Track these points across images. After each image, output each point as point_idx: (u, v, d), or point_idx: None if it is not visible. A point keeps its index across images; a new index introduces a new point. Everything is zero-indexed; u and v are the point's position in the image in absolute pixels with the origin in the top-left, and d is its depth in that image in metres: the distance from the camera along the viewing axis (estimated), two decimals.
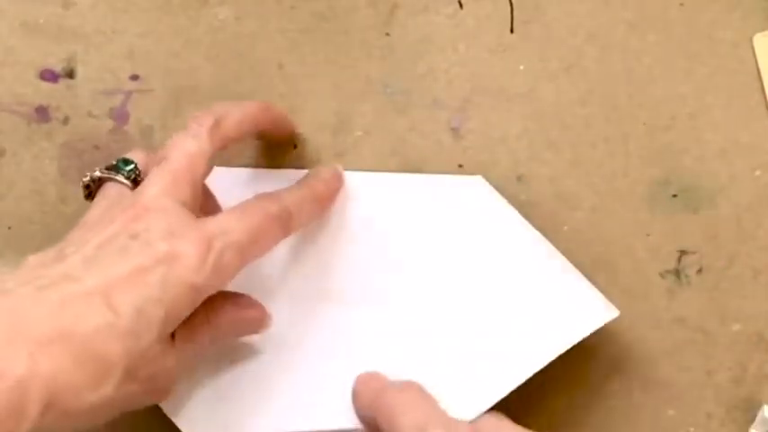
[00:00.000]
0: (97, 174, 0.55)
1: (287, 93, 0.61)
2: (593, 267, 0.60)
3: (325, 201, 0.59)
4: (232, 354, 0.57)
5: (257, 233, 0.53)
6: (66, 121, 0.61)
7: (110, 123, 0.61)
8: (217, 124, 0.55)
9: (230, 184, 0.60)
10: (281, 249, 0.58)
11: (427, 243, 0.59)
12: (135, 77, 0.61)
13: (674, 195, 0.61)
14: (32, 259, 0.51)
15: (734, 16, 0.61)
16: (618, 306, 0.59)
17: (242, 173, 0.60)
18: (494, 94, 0.61)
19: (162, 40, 0.61)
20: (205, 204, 0.57)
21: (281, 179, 0.60)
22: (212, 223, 0.52)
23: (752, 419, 0.60)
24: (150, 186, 0.53)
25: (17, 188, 0.60)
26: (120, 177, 0.54)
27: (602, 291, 0.59)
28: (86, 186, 0.55)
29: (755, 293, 0.60)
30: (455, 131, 0.61)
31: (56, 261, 0.50)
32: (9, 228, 0.60)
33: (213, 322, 0.54)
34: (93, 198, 0.55)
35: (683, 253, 0.60)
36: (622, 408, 0.60)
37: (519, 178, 0.61)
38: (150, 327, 0.49)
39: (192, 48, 0.61)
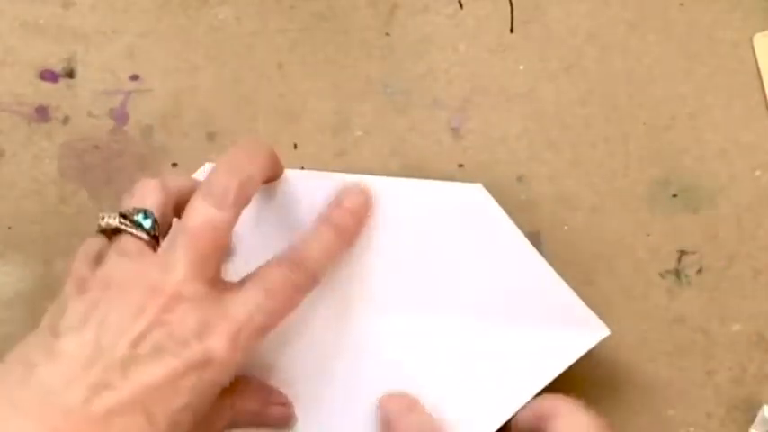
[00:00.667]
0: (114, 223, 0.53)
1: (287, 93, 0.61)
2: (593, 267, 0.60)
3: (353, 237, 0.58)
4: None
5: (282, 309, 0.54)
6: (66, 121, 0.61)
7: (110, 123, 0.61)
8: (242, 189, 0.54)
9: None
10: None
11: (422, 253, 0.59)
12: (135, 77, 0.61)
13: (674, 195, 0.61)
14: (69, 345, 0.50)
15: (734, 16, 0.61)
16: (618, 306, 0.59)
17: None
18: (494, 94, 0.61)
19: (162, 40, 0.61)
20: None
21: (282, 179, 0.60)
22: (239, 308, 0.53)
23: (752, 419, 0.60)
24: (178, 266, 0.52)
25: (17, 188, 0.60)
26: (140, 233, 0.53)
27: (602, 291, 0.60)
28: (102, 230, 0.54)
29: (755, 293, 0.60)
30: (455, 131, 0.61)
31: (93, 357, 0.50)
32: (9, 228, 0.60)
33: (237, 408, 0.56)
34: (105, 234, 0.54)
35: (682, 253, 0.60)
36: (622, 408, 0.60)
37: (519, 178, 0.61)
38: (181, 430, 0.51)
39: (192, 48, 0.61)
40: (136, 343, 0.50)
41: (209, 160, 0.60)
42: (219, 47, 0.61)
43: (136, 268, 0.52)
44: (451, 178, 0.60)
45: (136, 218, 0.53)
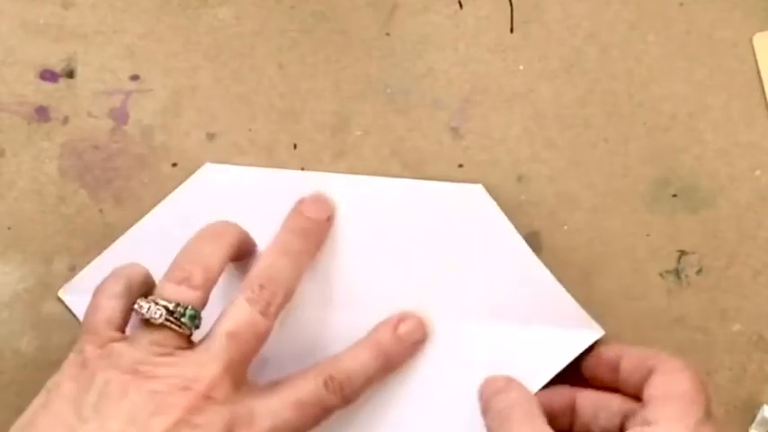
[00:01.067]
0: (159, 320, 0.53)
1: (287, 93, 0.61)
2: (593, 267, 0.60)
3: (395, 365, 0.58)
4: None
5: (306, 427, 0.55)
6: (65, 121, 0.61)
7: (110, 123, 0.61)
8: (285, 298, 0.55)
9: (231, 183, 0.60)
10: None
11: (421, 253, 0.59)
12: (135, 77, 0.61)
13: (674, 195, 0.61)
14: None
15: (734, 16, 0.61)
16: (617, 306, 0.59)
17: (243, 172, 0.60)
18: (494, 94, 0.61)
19: (162, 40, 0.61)
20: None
21: (282, 180, 0.60)
22: (266, 419, 0.53)
23: (752, 419, 0.60)
24: (213, 368, 0.52)
25: (17, 188, 0.60)
26: (183, 330, 0.53)
27: (602, 291, 0.60)
28: (141, 316, 0.54)
29: (755, 293, 0.60)
30: (455, 131, 0.61)
31: None
32: (9, 228, 0.60)
33: None
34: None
35: (682, 253, 0.60)
36: None
37: (519, 178, 0.61)
38: None
39: (192, 48, 0.61)
40: None
41: (209, 160, 0.60)
42: (219, 47, 0.61)
43: (171, 362, 0.52)
44: (451, 178, 0.60)
45: (183, 319, 0.53)
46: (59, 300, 0.60)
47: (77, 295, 0.59)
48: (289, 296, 0.56)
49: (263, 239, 0.58)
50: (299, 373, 0.55)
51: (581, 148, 0.61)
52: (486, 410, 0.56)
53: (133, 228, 0.60)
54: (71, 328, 0.60)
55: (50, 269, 0.60)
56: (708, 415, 0.52)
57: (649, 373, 0.53)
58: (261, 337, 0.54)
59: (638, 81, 0.61)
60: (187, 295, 0.53)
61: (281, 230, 0.57)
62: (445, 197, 0.59)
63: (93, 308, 0.54)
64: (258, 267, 0.55)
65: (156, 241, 0.58)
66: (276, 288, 0.55)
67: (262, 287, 0.54)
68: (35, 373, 0.59)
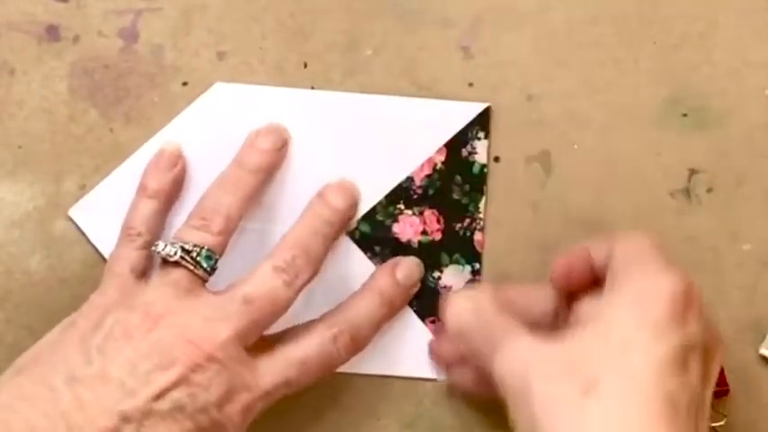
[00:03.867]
0: (174, 258, 0.54)
1: (297, 12, 0.61)
2: (603, 187, 0.60)
3: (398, 309, 0.58)
4: None
5: (309, 382, 0.55)
6: (76, 40, 0.61)
7: (120, 43, 0.61)
8: (314, 272, 0.55)
9: (241, 102, 0.60)
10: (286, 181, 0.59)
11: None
12: None
13: (685, 114, 0.60)
14: (94, 381, 0.51)
15: None
16: (627, 225, 0.60)
17: (254, 90, 0.60)
18: (504, 13, 0.61)
19: None
20: None
21: (292, 99, 0.60)
22: (267, 378, 0.53)
23: (761, 339, 0.60)
24: (224, 329, 0.52)
25: (27, 107, 0.60)
26: (198, 271, 0.54)
27: (612, 210, 0.60)
28: (158, 255, 0.55)
29: (766, 212, 0.60)
30: (466, 50, 0.61)
31: (115, 400, 0.50)
32: (19, 147, 0.60)
33: None
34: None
35: (693, 172, 0.60)
36: None
37: (529, 97, 0.60)
38: None
39: None
40: (158, 397, 0.50)
41: (219, 79, 0.60)
42: None
43: (183, 308, 0.53)
44: (461, 97, 0.60)
45: (199, 258, 0.54)
46: (70, 219, 0.60)
47: (88, 214, 0.60)
48: (315, 273, 0.55)
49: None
50: (303, 328, 0.55)
51: (591, 68, 0.61)
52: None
53: (144, 146, 0.60)
54: (81, 248, 0.60)
55: (61, 188, 0.60)
56: (668, 262, 0.51)
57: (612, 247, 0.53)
58: (279, 309, 0.54)
59: (649, 0, 0.61)
60: (205, 239, 0.54)
61: (313, 212, 0.57)
62: (453, 115, 0.59)
63: (116, 254, 0.56)
64: (289, 238, 0.55)
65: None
66: (307, 263, 0.54)
67: (294, 257, 0.54)
68: (45, 293, 0.60)
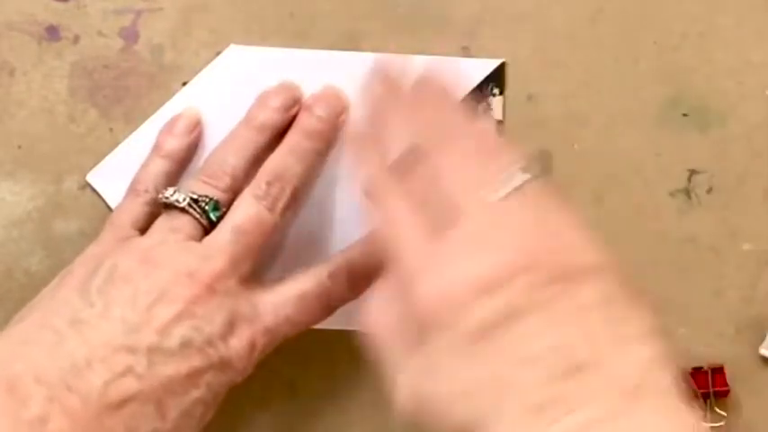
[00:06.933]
0: (182, 204, 0.54)
1: (297, 12, 0.61)
2: (603, 186, 0.60)
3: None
4: None
5: (310, 323, 0.55)
6: (76, 40, 0.61)
7: (120, 42, 0.61)
8: (294, 197, 0.56)
9: (256, 64, 0.60)
10: None
11: None
12: None
13: (685, 114, 0.60)
14: (96, 319, 0.51)
15: None
16: (627, 225, 0.59)
17: (269, 52, 0.60)
18: (504, 13, 0.61)
19: None
20: None
21: (307, 60, 0.60)
22: (269, 315, 0.53)
23: (762, 339, 0.60)
24: (219, 259, 0.53)
25: (27, 107, 0.60)
26: (203, 220, 0.54)
27: (612, 210, 0.60)
28: (163, 202, 0.55)
29: (766, 212, 0.60)
30: (465, 50, 0.61)
31: (121, 338, 0.50)
32: (19, 147, 0.60)
33: None
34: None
35: (693, 172, 0.60)
36: None
37: (529, 97, 0.60)
38: (191, 423, 0.51)
39: None
40: (163, 332, 0.51)
41: None
42: None
43: (180, 249, 0.53)
44: None
45: (207, 207, 0.54)
46: (70, 217, 0.60)
47: (105, 179, 0.60)
48: (297, 195, 0.56)
49: None
50: (302, 270, 0.56)
51: (591, 68, 0.61)
52: None
53: (159, 111, 0.60)
54: (81, 247, 0.59)
55: (61, 188, 0.60)
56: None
57: None
58: (266, 233, 0.54)
59: (649, 0, 0.61)
60: (214, 192, 0.55)
61: (292, 130, 0.57)
62: (468, 72, 0.60)
63: (120, 207, 0.57)
64: (266, 165, 0.56)
65: None
66: (284, 185, 0.55)
67: (269, 184, 0.55)
68: None
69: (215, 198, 0.55)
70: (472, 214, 0.46)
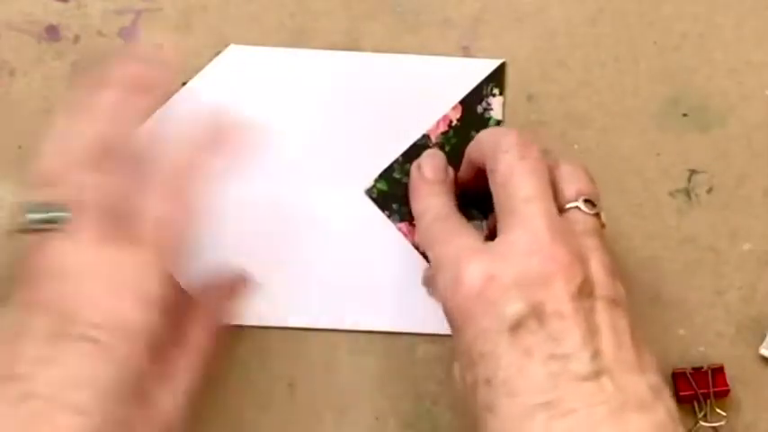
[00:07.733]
0: None
1: (297, 12, 0.61)
2: (603, 187, 0.59)
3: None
4: None
5: None
6: (76, 40, 0.61)
7: (120, 43, 0.61)
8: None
9: (255, 64, 0.60)
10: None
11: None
12: None
13: (685, 114, 0.61)
14: None
15: None
16: (628, 225, 0.59)
17: (268, 52, 0.61)
18: (504, 13, 0.61)
19: None
20: None
21: (307, 60, 0.60)
22: None
23: (761, 339, 0.60)
24: None
25: (27, 107, 0.60)
26: None
27: (612, 210, 0.60)
28: None
29: (766, 212, 0.60)
30: (466, 50, 0.61)
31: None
32: (19, 147, 0.60)
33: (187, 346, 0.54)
34: None
35: (693, 172, 0.60)
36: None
37: (529, 97, 0.60)
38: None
39: None
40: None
41: None
42: None
43: None
44: None
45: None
46: None
47: None
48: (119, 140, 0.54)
49: (286, 120, 0.60)
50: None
51: (591, 68, 0.61)
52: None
53: (158, 111, 0.59)
54: None
55: None
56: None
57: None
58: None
59: (649, 0, 0.61)
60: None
61: None
62: (468, 72, 0.60)
63: None
64: None
65: (180, 123, 0.58)
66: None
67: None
68: None
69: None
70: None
